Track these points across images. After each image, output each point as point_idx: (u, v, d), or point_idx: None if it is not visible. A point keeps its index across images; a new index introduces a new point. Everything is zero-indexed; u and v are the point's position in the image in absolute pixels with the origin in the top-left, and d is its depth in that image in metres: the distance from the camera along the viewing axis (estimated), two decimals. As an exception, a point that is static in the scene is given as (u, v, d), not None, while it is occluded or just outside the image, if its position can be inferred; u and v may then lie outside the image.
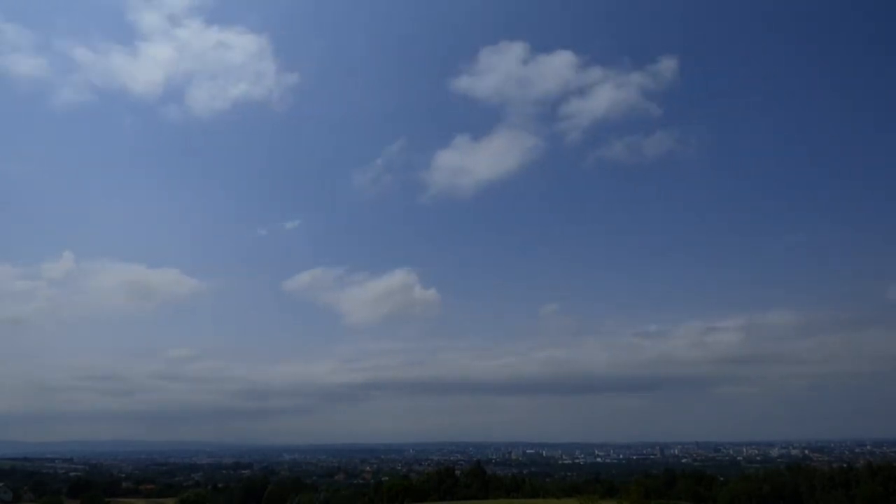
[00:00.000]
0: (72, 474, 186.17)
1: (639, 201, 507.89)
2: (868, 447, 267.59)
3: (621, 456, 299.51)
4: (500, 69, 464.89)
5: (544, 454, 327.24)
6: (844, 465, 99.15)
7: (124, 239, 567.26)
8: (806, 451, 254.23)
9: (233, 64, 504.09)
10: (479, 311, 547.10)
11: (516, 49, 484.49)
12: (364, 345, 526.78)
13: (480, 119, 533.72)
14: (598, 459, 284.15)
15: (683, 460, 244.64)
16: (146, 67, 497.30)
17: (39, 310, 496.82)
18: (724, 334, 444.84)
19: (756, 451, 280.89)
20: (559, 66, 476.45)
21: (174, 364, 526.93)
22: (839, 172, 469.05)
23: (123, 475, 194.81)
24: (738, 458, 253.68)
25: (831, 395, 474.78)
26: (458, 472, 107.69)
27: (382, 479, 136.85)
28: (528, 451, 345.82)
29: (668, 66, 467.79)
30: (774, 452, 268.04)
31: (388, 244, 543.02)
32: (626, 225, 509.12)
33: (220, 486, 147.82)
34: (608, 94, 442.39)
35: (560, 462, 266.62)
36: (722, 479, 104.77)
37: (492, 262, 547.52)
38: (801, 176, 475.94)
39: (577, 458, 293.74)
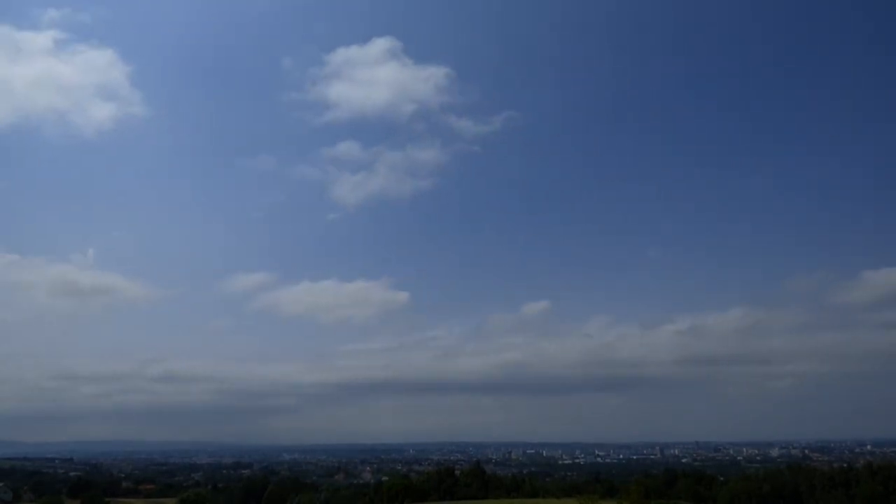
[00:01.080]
0: (72, 474, 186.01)
1: (632, 201, 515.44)
2: (868, 447, 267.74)
3: (621, 456, 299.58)
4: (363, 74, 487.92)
5: (544, 454, 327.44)
6: (844, 465, 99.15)
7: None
8: (806, 451, 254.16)
9: (103, 85, 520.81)
10: (473, 312, 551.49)
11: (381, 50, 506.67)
12: (361, 345, 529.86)
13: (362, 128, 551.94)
14: (598, 459, 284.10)
15: (683, 460, 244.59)
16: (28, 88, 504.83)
17: (38, 311, 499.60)
18: (723, 332, 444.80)
19: (756, 451, 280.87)
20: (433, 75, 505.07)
21: (173, 364, 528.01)
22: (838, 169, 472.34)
23: (123, 475, 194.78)
24: (738, 458, 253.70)
25: (831, 395, 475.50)
26: (458, 472, 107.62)
27: (382, 479, 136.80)
28: (528, 451, 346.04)
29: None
30: (774, 452, 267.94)
31: (361, 251, 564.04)
32: (619, 225, 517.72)
33: (220, 486, 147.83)
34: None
35: (560, 462, 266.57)
36: (722, 478, 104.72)
37: (472, 263, 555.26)
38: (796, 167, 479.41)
39: (577, 458, 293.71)
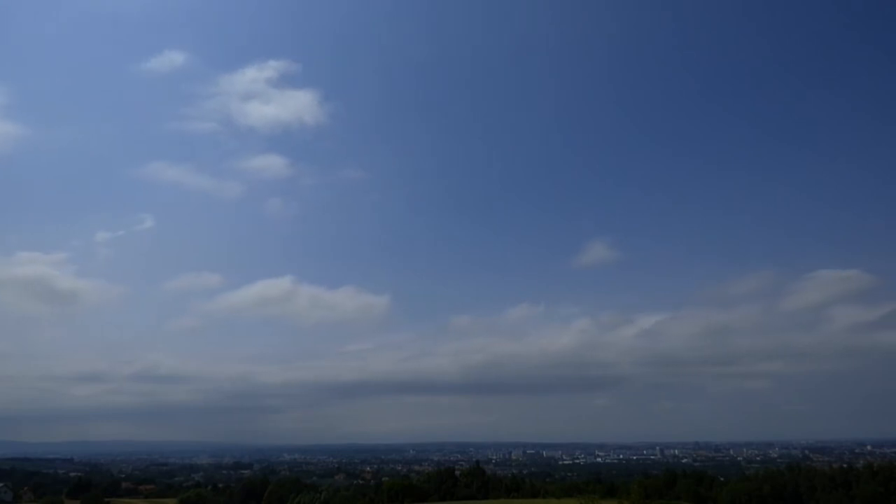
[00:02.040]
0: (72, 475, 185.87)
1: (629, 200, 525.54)
2: (868, 447, 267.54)
3: (621, 456, 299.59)
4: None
5: (544, 454, 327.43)
6: (844, 466, 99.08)
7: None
8: (806, 452, 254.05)
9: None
10: (469, 313, 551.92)
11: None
12: (360, 345, 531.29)
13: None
14: (598, 459, 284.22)
15: (683, 460, 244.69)
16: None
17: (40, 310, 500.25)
18: (724, 330, 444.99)
19: (756, 452, 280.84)
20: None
21: (173, 365, 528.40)
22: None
23: (123, 475, 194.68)
24: (738, 458, 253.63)
25: (831, 395, 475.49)
26: (458, 472, 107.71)
27: (383, 479, 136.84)
28: (528, 451, 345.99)
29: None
30: (774, 453, 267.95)
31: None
32: (615, 225, 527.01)
33: (220, 486, 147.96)
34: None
35: (560, 462, 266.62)
36: (722, 479, 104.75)
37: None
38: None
39: (577, 458, 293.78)
